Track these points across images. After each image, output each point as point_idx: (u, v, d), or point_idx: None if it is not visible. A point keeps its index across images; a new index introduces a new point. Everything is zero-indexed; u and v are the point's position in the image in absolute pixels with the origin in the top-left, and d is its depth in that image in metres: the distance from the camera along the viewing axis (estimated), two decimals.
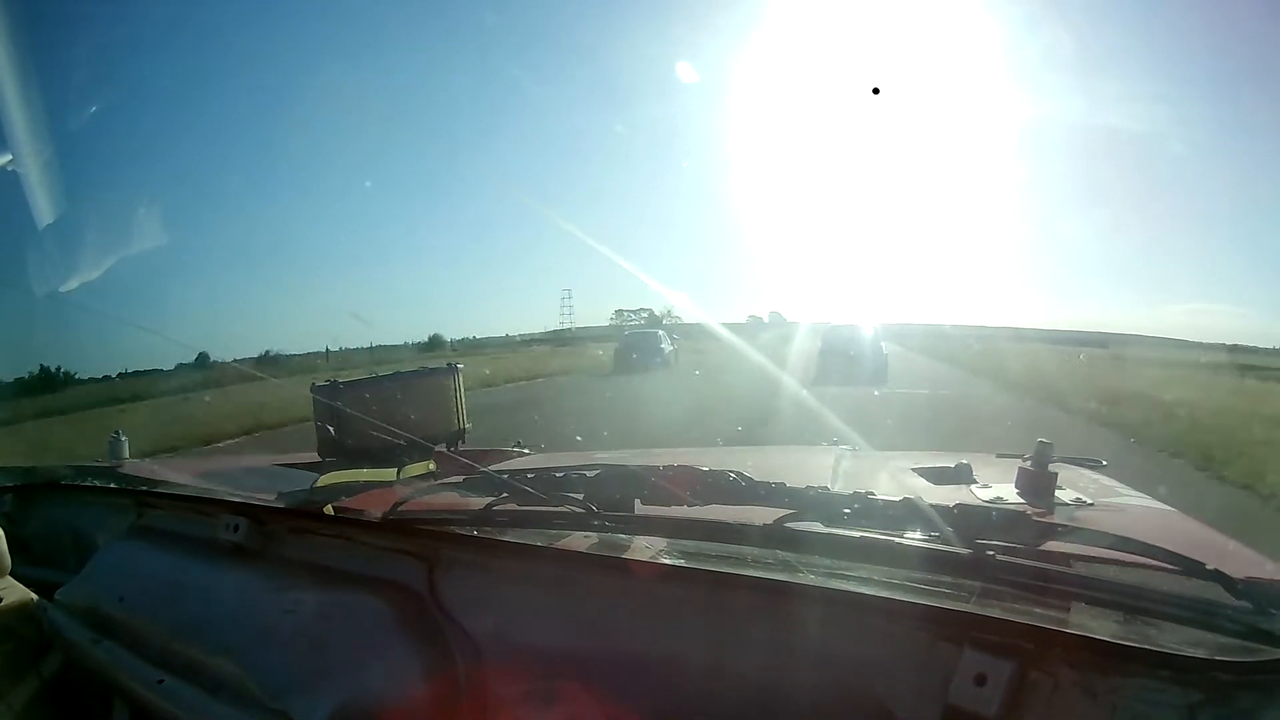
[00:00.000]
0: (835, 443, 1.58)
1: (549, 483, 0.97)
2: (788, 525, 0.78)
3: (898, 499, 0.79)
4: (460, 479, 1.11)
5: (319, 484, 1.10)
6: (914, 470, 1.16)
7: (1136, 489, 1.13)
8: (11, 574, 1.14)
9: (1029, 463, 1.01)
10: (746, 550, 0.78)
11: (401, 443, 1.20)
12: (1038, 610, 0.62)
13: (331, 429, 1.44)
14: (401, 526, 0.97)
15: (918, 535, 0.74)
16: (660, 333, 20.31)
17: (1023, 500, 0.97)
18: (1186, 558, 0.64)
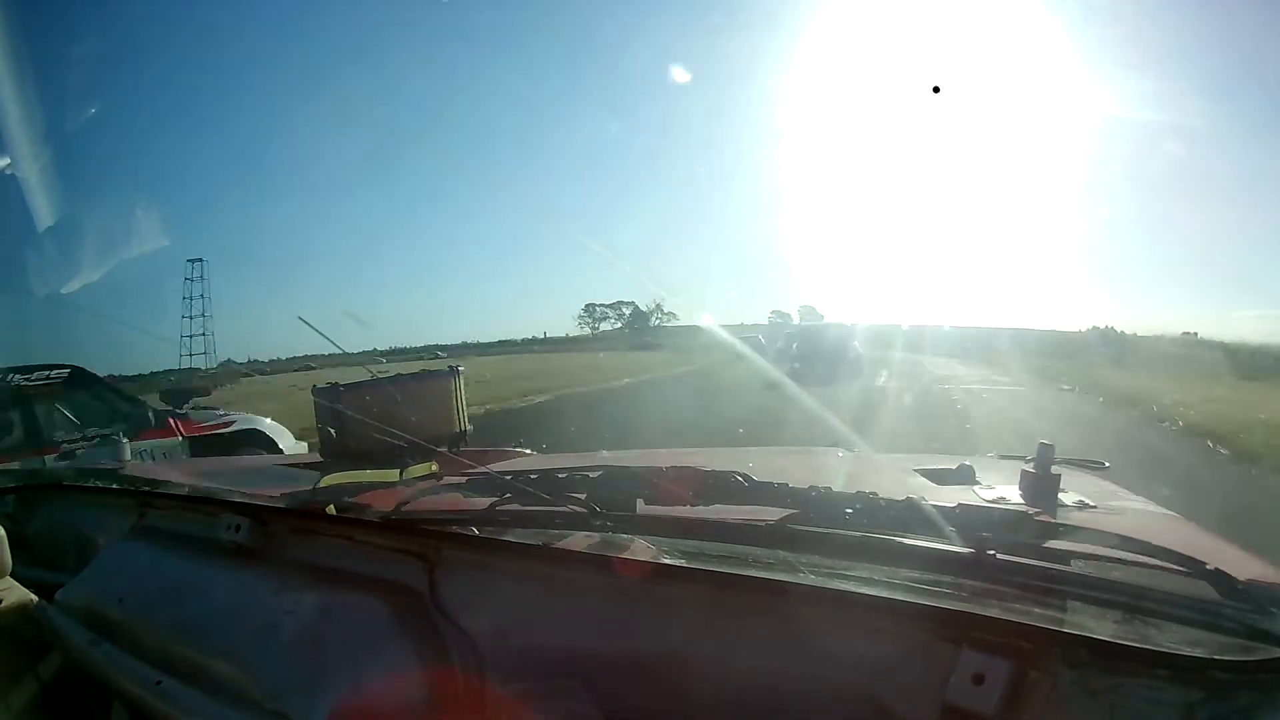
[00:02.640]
0: (837, 444, 1.58)
1: (551, 483, 0.97)
2: (790, 525, 0.78)
3: (900, 499, 0.79)
4: (463, 479, 1.11)
5: (321, 484, 1.10)
6: (916, 471, 1.16)
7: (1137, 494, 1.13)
8: (12, 575, 1.14)
9: (1031, 464, 1.01)
10: (748, 550, 0.78)
11: (403, 444, 1.20)
12: (1037, 610, 0.62)
13: (333, 431, 1.44)
14: (403, 526, 0.97)
15: (919, 535, 0.74)
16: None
17: (1025, 502, 0.97)
18: (1187, 557, 0.65)
